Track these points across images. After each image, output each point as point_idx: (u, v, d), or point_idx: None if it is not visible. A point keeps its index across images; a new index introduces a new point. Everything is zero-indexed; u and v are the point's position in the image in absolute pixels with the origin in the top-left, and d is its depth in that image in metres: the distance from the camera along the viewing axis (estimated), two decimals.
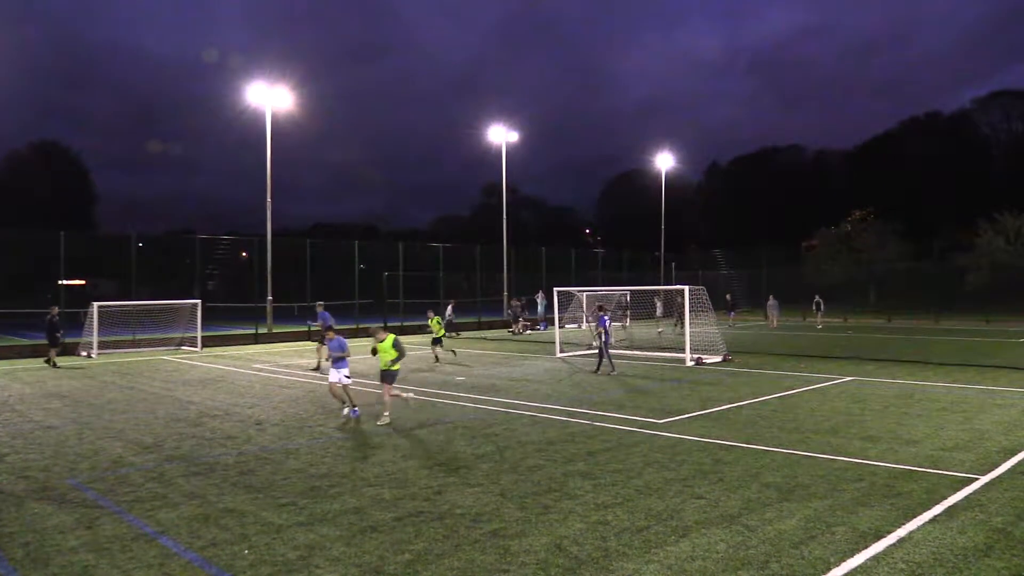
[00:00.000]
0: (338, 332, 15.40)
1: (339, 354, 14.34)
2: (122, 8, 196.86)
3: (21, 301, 39.26)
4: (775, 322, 41.49)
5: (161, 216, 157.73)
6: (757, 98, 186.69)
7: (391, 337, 13.81)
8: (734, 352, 24.63)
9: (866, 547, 6.85)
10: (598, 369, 20.67)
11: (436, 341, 24.50)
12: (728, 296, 42.86)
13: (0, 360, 26.47)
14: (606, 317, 21.27)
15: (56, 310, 25.32)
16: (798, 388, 17.30)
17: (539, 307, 43.05)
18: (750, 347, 27.85)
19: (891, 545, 6.91)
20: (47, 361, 24.78)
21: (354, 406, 14.18)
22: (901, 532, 7.26)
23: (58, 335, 25.05)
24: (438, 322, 24.76)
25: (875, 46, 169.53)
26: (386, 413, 13.57)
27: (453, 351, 26.03)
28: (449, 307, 37.01)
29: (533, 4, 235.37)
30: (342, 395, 14.30)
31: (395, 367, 13.80)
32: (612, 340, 22.06)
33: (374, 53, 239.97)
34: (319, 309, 22.52)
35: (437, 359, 24.22)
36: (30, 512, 8.35)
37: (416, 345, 32.02)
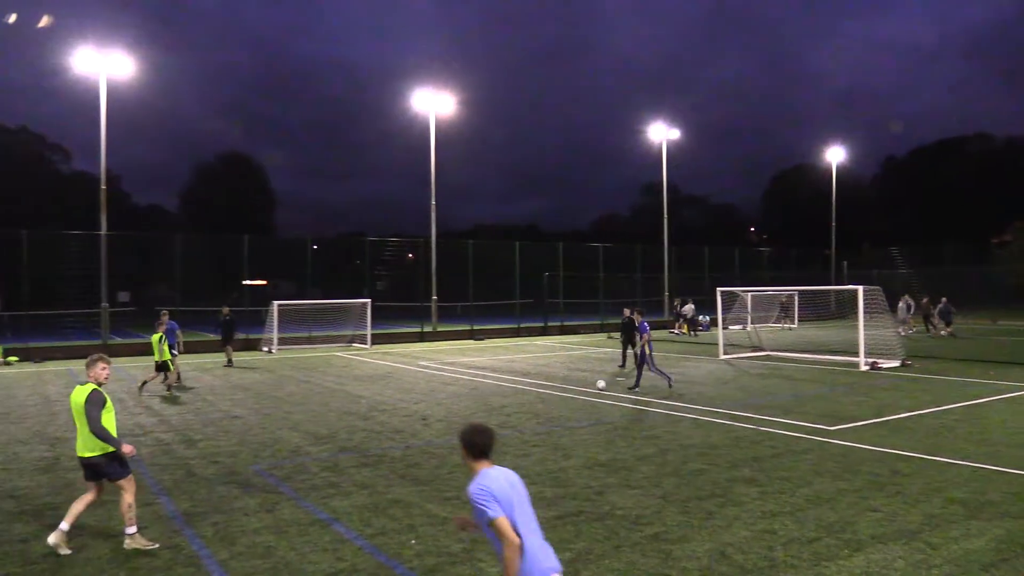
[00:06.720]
0: None
1: None
2: (325, 22, 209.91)
3: (210, 300, 42.49)
4: (903, 329, 33.42)
5: (338, 219, 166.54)
6: (966, 85, 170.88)
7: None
8: (914, 357, 23.09)
9: None
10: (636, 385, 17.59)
11: (161, 366, 18.18)
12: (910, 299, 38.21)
13: (191, 354, 28.76)
14: (646, 323, 18.17)
15: (228, 310, 26.04)
16: (986, 397, 15.99)
17: (702, 316, 41.82)
18: (932, 352, 26.03)
19: None
20: (229, 361, 25.17)
21: None
22: None
23: (231, 334, 25.76)
24: (168, 348, 18.44)
25: None
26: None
27: (168, 387, 18.36)
28: (690, 305, 38.43)
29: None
30: None
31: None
32: (653, 352, 18.09)
33: (568, 54, 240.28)
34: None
35: (169, 387, 18.40)
36: (218, 494, 9.02)
37: (576, 345, 32.11)
